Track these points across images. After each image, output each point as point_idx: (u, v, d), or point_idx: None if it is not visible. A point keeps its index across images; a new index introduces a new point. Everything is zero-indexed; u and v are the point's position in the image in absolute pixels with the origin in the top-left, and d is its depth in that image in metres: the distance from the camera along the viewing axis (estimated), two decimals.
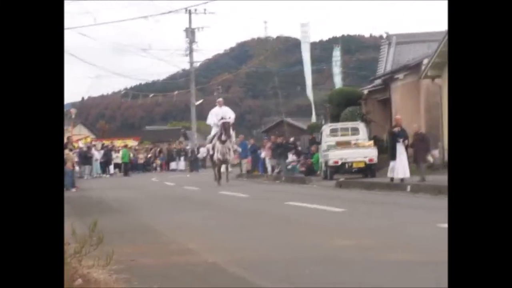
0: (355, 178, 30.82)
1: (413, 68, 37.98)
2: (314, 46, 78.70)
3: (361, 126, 36.22)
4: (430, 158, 27.08)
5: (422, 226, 12.63)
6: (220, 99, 34.39)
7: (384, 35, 49.42)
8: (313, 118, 55.04)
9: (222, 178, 32.42)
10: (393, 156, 25.17)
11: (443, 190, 20.58)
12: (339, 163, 32.52)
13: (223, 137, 31.60)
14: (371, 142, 34.51)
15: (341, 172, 32.61)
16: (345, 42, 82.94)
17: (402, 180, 24.48)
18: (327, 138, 35.00)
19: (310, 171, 37.33)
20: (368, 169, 32.50)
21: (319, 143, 36.60)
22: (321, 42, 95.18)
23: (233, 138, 32.88)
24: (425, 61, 36.25)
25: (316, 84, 68.78)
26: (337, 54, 62.48)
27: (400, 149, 25.02)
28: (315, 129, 44.86)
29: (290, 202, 19.19)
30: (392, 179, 25.00)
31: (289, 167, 39.85)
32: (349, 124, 36.71)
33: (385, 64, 45.55)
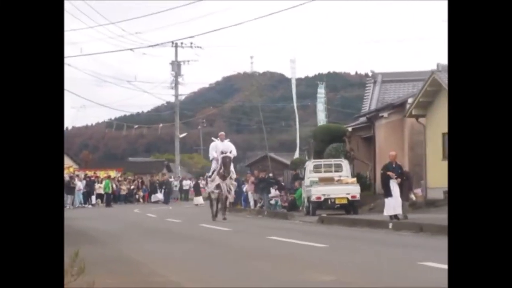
0: (338, 214, 30.82)
1: (398, 107, 38.17)
2: (299, 82, 79.05)
3: (344, 162, 36.31)
4: (413, 196, 27.14)
5: (404, 263, 12.63)
6: (222, 133, 32.42)
7: (370, 73, 49.71)
8: (297, 154, 55.10)
9: (218, 215, 30.59)
10: (387, 194, 24.53)
11: (425, 228, 20.62)
12: (322, 199, 32.55)
13: (223, 172, 29.88)
14: (354, 179, 34.60)
15: (323, 208, 32.61)
16: (331, 79, 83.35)
17: (396, 216, 23.94)
18: (310, 174, 35.04)
19: (293, 206, 37.32)
20: (351, 206, 32.53)
21: (302, 178, 36.65)
22: (306, 78, 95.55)
23: (234, 175, 30.96)
24: (410, 100, 36.45)
25: (301, 120, 68.98)
26: (322, 90, 62.78)
27: (394, 185, 24.48)
28: (299, 164, 44.93)
29: (272, 236, 19.15)
30: (391, 217, 24.07)
31: (272, 202, 39.83)
32: (333, 161, 36.77)
33: (370, 102, 45.74)
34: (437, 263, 11.73)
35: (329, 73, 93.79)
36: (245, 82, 78.52)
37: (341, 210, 32.65)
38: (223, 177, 29.87)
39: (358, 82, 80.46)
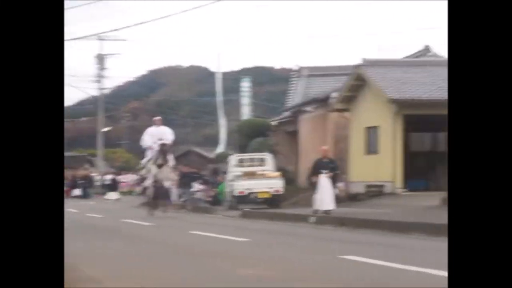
0: (261, 209, 30.81)
1: (322, 101, 38.37)
2: (225, 76, 78.91)
3: (268, 157, 36.34)
4: (335, 190, 27.25)
5: (324, 257, 12.62)
6: (158, 118, 29.46)
7: (295, 68, 49.88)
8: (221, 148, 55.01)
9: (156, 209, 27.99)
10: (317, 189, 24.09)
11: (346, 222, 20.72)
12: (245, 193, 32.52)
13: (160, 161, 27.19)
14: (278, 173, 34.64)
15: (246, 202, 32.58)
16: (256, 74, 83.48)
17: (327, 212, 23.45)
18: (233, 168, 34.98)
19: (216, 200, 37.23)
20: (274, 200, 32.58)
21: (224, 172, 36.58)
22: (232, 72, 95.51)
23: (171, 163, 28.11)
24: (334, 94, 36.69)
25: (226, 115, 68.90)
26: (246, 85, 62.82)
27: (325, 180, 23.96)
28: (223, 159, 44.88)
29: (194, 231, 19.01)
30: (316, 211, 23.66)
31: (195, 196, 39.67)
32: (257, 155, 36.79)
33: (295, 97, 45.93)
34: (358, 257, 11.74)
35: (255, 67, 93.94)
36: (170, 76, 78.03)
37: (264, 204, 32.66)
38: (159, 165, 27.36)
39: (283, 77, 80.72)
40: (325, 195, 23.77)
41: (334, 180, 24.34)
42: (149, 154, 28.04)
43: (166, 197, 28.94)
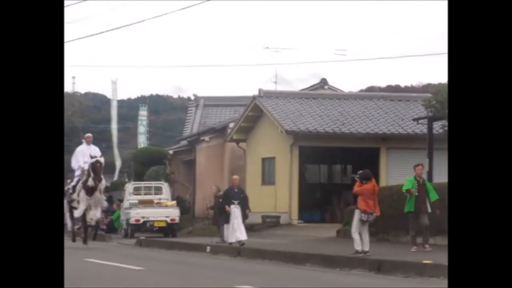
0: (156, 237, 30.60)
1: (219, 131, 38.49)
2: (121, 104, 78.31)
3: (164, 185, 36.19)
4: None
5: (218, 286, 12.63)
6: (89, 135, 25.91)
7: (192, 97, 49.92)
8: (116, 176, 54.49)
9: (79, 237, 25.18)
10: (227, 219, 23.22)
11: (242, 252, 20.77)
12: (141, 221, 32.27)
13: (93, 181, 23.48)
14: (174, 202, 34.55)
15: (142, 230, 32.33)
16: (153, 102, 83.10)
17: (240, 242, 22.41)
18: (129, 196, 34.72)
19: (111, 228, 36.80)
20: (170, 229, 32.45)
21: (120, 200, 36.26)
22: (129, 100, 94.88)
23: (103, 185, 24.77)
24: (231, 124, 36.85)
25: (122, 142, 68.31)
26: (143, 113, 62.50)
27: (236, 211, 23.06)
28: (118, 186, 44.44)
29: (89, 258, 18.74)
30: (231, 243, 22.70)
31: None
32: (153, 183, 36.62)
33: (192, 126, 45.93)
34: (252, 286, 11.78)
35: (151, 95, 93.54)
36: (66, 102, 76.96)
37: (160, 233, 32.46)
38: (92, 188, 23.67)
39: (181, 106, 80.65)
40: (238, 226, 22.93)
41: (244, 210, 23.51)
42: (77, 175, 24.49)
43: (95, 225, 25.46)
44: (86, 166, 23.87)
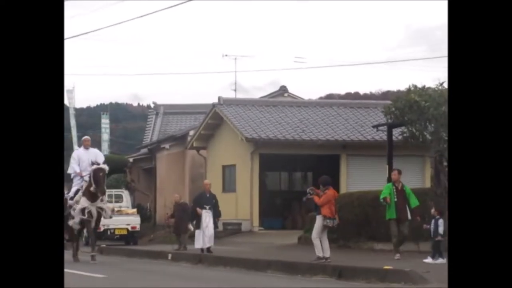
0: (117, 245, 30.49)
1: (179, 139, 38.46)
2: (81, 112, 77.86)
3: (125, 193, 36.10)
4: (191, 227, 27.26)
5: None
6: (87, 137, 22.88)
7: (152, 105, 49.82)
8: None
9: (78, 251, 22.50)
10: (197, 225, 22.72)
11: (203, 260, 20.77)
12: (102, 229, 32.10)
13: (95, 190, 20.49)
14: (135, 209, 34.48)
15: (103, 238, 32.19)
16: (113, 110, 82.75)
17: (208, 249, 22.25)
18: None
19: (72, 236, 36.57)
20: (131, 237, 32.39)
21: None
22: (88, 108, 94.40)
23: (105, 202, 21.71)
24: (192, 132, 36.85)
25: None
26: (106, 121, 62.24)
27: (208, 216, 22.52)
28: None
29: None
30: (202, 250, 22.30)
31: None
32: (113, 191, 36.47)
33: (152, 134, 45.84)
34: None
35: (111, 103, 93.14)
36: None
37: (121, 240, 32.35)
38: (94, 197, 20.68)
39: (141, 114, 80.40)
40: (209, 232, 22.45)
41: (216, 215, 22.93)
42: (75, 184, 21.47)
43: (95, 238, 22.21)
44: (86, 174, 20.94)
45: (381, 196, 18.44)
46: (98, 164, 20.70)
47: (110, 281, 15.46)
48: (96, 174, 20.48)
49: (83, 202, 20.57)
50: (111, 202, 34.79)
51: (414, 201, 18.32)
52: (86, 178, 20.83)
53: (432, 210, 17.67)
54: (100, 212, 20.91)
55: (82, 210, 20.57)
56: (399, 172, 18.80)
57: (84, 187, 20.77)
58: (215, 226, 23.02)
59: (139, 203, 39.57)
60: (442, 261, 16.78)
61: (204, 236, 22.43)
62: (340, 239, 22.39)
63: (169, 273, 17.80)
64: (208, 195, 23.12)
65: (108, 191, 36.99)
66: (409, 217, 18.29)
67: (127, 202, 35.21)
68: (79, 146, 26.35)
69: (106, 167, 20.82)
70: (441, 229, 17.27)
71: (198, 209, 22.66)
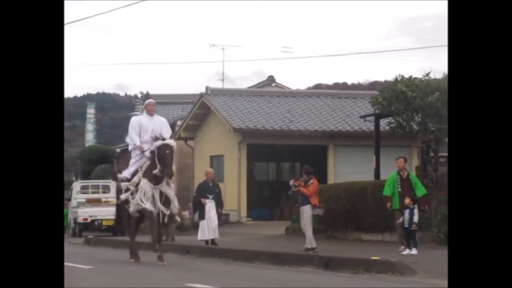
0: (105, 236, 30.44)
1: None
2: (68, 102, 77.64)
3: (112, 184, 35.98)
4: (178, 219, 27.15)
5: (170, 285, 12.62)
6: (151, 101, 17.91)
7: (139, 95, 49.73)
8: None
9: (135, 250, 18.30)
10: (201, 215, 21.70)
11: (191, 250, 20.74)
12: (89, 220, 32.11)
13: (158, 172, 16.30)
14: None
15: (90, 229, 32.16)
16: (99, 100, 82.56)
17: (213, 241, 21.32)
18: (77, 195, 34.52)
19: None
20: (118, 227, 32.32)
21: (68, 199, 36.04)
22: (75, 98, 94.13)
23: (171, 188, 17.12)
24: (179, 122, 36.79)
25: (69, 141, 67.69)
26: (91, 111, 62.08)
27: (211, 207, 21.57)
28: (65, 185, 44.10)
29: None
30: (207, 242, 21.35)
31: None
32: (100, 182, 36.43)
33: None
34: (203, 284, 11.80)
35: (98, 93, 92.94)
36: None
37: (108, 231, 32.29)
38: (158, 180, 16.44)
39: (128, 104, 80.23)
40: (213, 223, 21.47)
41: (218, 206, 21.89)
42: (134, 163, 17.40)
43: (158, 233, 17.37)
44: (147, 149, 16.77)
45: (384, 192, 17.79)
46: (164, 138, 16.48)
47: (97, 272, 15.43)
48: (162, 152, 16.22)
49: (144, 185, 16.46)
50: (98, 192, 34.78)
51: (421, 190, 17.65)
52: (147, 153, 16.65)
53: (407, 200, 17.10)
54: (168, 198, 16.63)
55: (142, 194, 16.48)
56: (405, 160, 18.16)
57: (144, 168, 16.69)
58: (219, 217, 21.99)
59: None
60: (416, 252, 16.70)
61: (210, 228, 21.42)
62: (327, 229, 22.41)
63: (157, 264, 17.77)
64: (211, 184, 21.98)
65: (95, 182, 37.04)
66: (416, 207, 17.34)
67: (114, 193, 35.11)
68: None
69: (173, 143, 16.73)
70: (415, 218, 17.12)
71: (202, 199, 21.63)
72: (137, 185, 16.61)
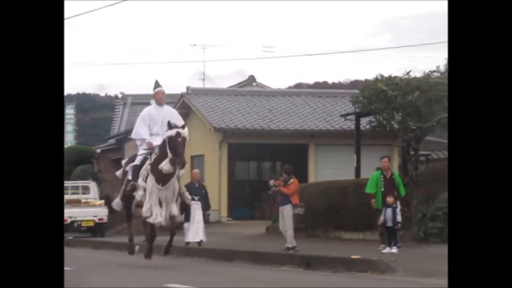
0: (84, 237, 30.29)
1: None
2: None
3: (92, 185, 35.88)
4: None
5: (150, 285, 12.55)
6: (161, 89, 16.56)
7: (120, 95, 49.54)
8: None
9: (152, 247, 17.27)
10: (187, 217, 21.09)
11: (172, 250, 20.63)
12: (68, 221, 31.92)
13: (166, 167, 15.01)
14: (102, 201, 34.25)
15: (70, 230, 32.00)
16: (79, 100, 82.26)
17: (199, 243, 20.86)
18: None
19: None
20: (98, 228, 32.21)
21: None
22: None
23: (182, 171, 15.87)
24: None
25: None
26: (71, 111, 61.86)
27: (197, 208, 21.16)
28: None
29: None
30: (188, 243, 20.97)
31: None
32: (80, 183, 36.29)
33: (120, 124, 45.57)
34: (182, 284, 11.75)
35: (78, 94, 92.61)
36: None
37: (88, 232, 32.16)
38: (165, 176, 15.18)
39: (108, 104, 79.99)
40: (199, 225, 21.06)
41: (205, 207, 21.50)
42: (140, 156, 15.84)
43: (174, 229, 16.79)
44: (157, 141, 15.47)
45: (367, 189, 17.68)
46: (177, 126, 15.30)
47: (78, 273, 15.31)
48: (174, 140, 15.00)
49: (150, 186, 15.18)
50: (77, 193, 34.61)
51: (402, 190, 17.67)
52: (157, 151, 15.32)
53: (390, 199, 17.02)
54: (172, 196, 15.49)
55: (150, 190, 15.25)
56: (390, 159, 18.14)
57: (153, 159, 15.29)
58: (205, 218, 21.50)
59: (107, 194, 39.32)
60: (396, 250, 16.68)
61: (196, 229, 21.04)
62: (308, 228, 22.38)
63: (137, 265, 17.67)
64: (196, 185, 21.47)
65: (75, 183, 36.85)
66: (398, 206, 17.33)
67: (94, 194, 35.00)
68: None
69: (186, 132, 15.43)
70: (399, 218, 17.12)
71: (187, 201, 19.56)
72: (144, 181, 15.30)
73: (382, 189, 17.39)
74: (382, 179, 17.53)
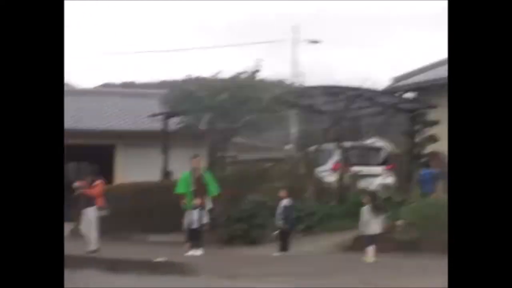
0: None
1: None
2: None
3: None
4: None
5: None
6: None
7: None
8: None
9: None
10: None
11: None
12: None
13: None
14: None
15: None
16: None
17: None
18: None
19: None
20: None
21: None
22: None
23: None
24: None
25: None
26: None
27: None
28: None
29: None
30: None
31: None
32: None
33: None
34: None
35: None
36: None
37: None
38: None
39: None
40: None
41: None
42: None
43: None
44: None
45: (177, 190, 17.31)
46: None
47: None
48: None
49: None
50: None
51: (212, 190, 17.25)
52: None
53: (197, 200, 16.81)
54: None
55: None
56: (200, 159, 17.76)
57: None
58: None
59: None
60: (200, 252, 16.61)
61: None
62: (113, 231, 21.93)
63: None
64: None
65: None
66: (210, 205, 17.24)
67: None
68: None
69: None
70: (204, 219, 17.08)
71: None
72: None
73: (192, 188, 17.10)
74: (192, 179, 17.24)
